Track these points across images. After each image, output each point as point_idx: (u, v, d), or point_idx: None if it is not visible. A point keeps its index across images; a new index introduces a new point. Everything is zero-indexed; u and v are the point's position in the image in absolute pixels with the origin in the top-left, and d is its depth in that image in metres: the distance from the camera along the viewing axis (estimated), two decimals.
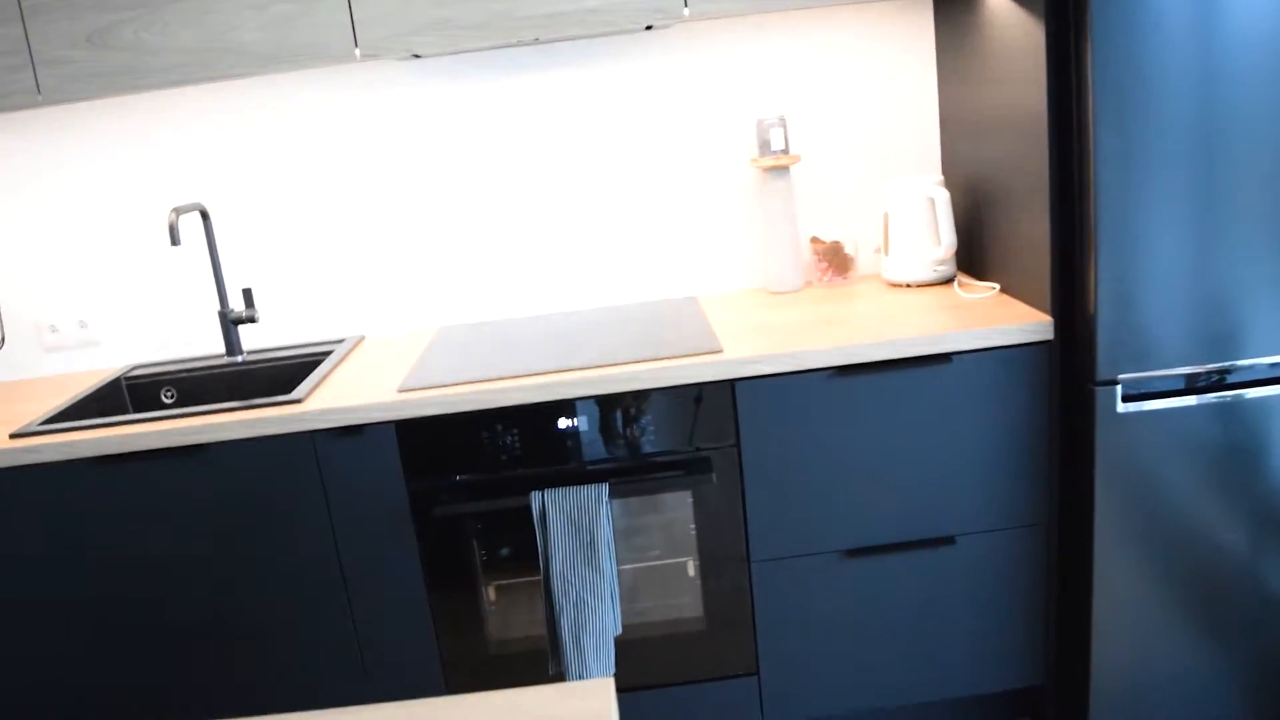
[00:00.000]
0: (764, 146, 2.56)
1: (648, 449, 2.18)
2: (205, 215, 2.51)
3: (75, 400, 2.41)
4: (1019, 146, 2.17)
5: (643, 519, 2.28)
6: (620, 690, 2.34)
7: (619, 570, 2.28)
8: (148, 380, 2.62)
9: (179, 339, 2.77)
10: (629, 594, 2.30)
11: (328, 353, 2.62)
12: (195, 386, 2.63)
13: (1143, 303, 1.99)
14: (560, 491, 2.14)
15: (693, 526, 2.25)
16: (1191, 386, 2.05)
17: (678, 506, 2.25)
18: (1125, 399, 2.04)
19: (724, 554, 2.25)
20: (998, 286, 2.39)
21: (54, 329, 2.74)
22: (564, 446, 2.17)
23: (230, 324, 2.57)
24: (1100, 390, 2.04)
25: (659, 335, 2.34)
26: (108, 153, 2.64)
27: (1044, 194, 2.08)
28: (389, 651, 2.28)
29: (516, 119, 2.65)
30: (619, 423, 2.17)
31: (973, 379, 2.16)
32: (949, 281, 2.53)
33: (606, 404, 2.16)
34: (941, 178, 2.50)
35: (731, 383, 2.15)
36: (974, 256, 2.53)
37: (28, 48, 2.19)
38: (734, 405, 2.16)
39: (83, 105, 2.60)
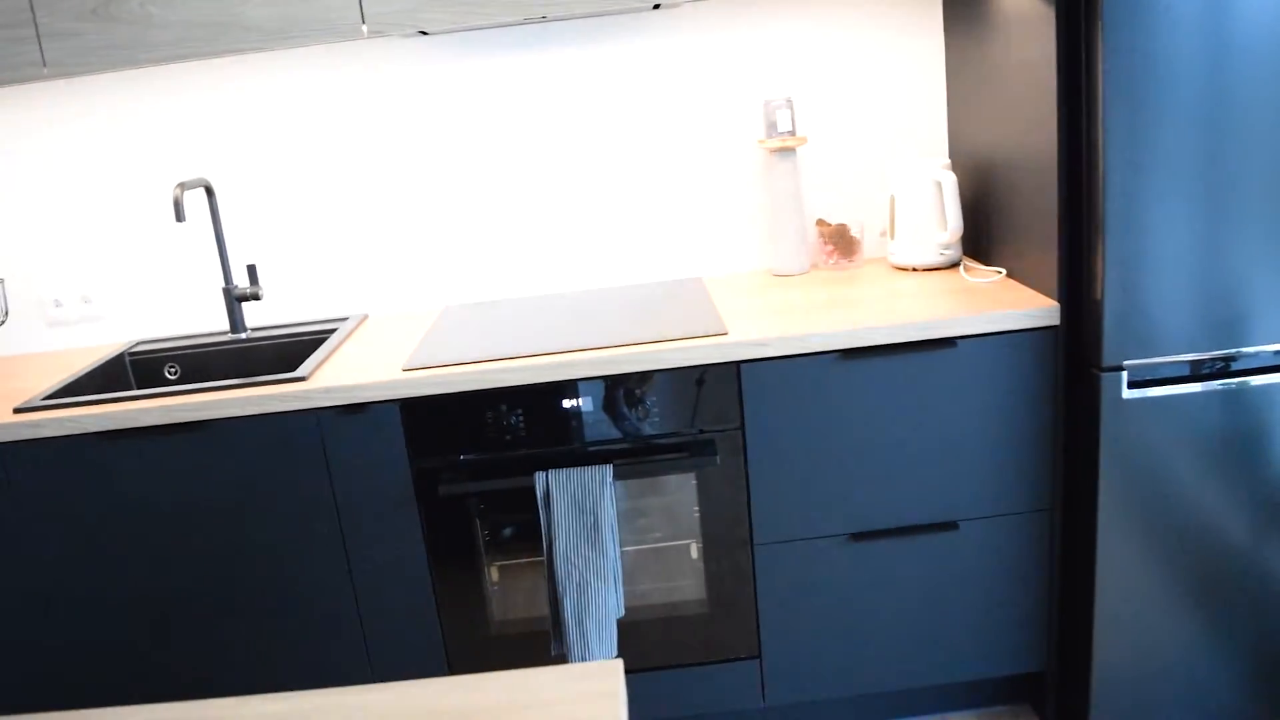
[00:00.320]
0: (771, 128, 2.55)
1: (652, 430, 2.18)
2: (210, 191, 2.50)
3: (78, 375, 2.40)
4: (1027, 131, 2.16)
5: (646, 501, 2.28)
6: None
7: (621, 552, 2.28)
8: (151, 356, 2.62)
9: (183, 315, 2.76)
10: (631, 576, 2.30)
11: (332, 330, 2.61)
12: (199, 363, 2.62)
13: (1149, 289, 1.99)
14: (564, 472, 2.13)
15: (696, 509, 2.25)
16: (1197, 373, 2.04)
17: (681, 488, 2.25)
18: (1131, 385, 2.04)
19: (727, 537, 2.25)
20: (1004, 271, 2.38)
21: (58, 304, 2.73)
22: (568, 427, 2.17)
23: (234, 301, 2.57)
24: (1106, 376, 2.03)
25: (664, 316, 2.33)
26: (112, 127, 2.62)
27: (1052, 179, 2.07)
28: (391, 630, 2.28)
29: (523, 98, 2.64)
30: (623, 404, 2.16)
31: (978, 364, 2.15)
32: (955, 266, 2.53)
33: (611, 385, 2.15)
34: (948, 161, 2.49)
35: (736, 365, 2.14)
36: (980, 240, 2.52)
37: (33, 19, 2.17)
38: (739, 387, 2.16)
39: (87, 79, 2.59)
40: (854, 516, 2.24)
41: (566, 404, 2.16)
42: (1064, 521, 2.25)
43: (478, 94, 2.63)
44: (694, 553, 2.30)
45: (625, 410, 2.17)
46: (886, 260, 2.70)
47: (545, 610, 2.30)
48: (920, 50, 2.63)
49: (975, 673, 2.36)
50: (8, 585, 2.23)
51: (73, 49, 2.19)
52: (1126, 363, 2.03)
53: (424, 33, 2.37)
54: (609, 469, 2.14)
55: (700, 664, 2.34)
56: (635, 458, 2.19)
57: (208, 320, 2.77)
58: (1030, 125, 2.14)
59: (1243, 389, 2.04)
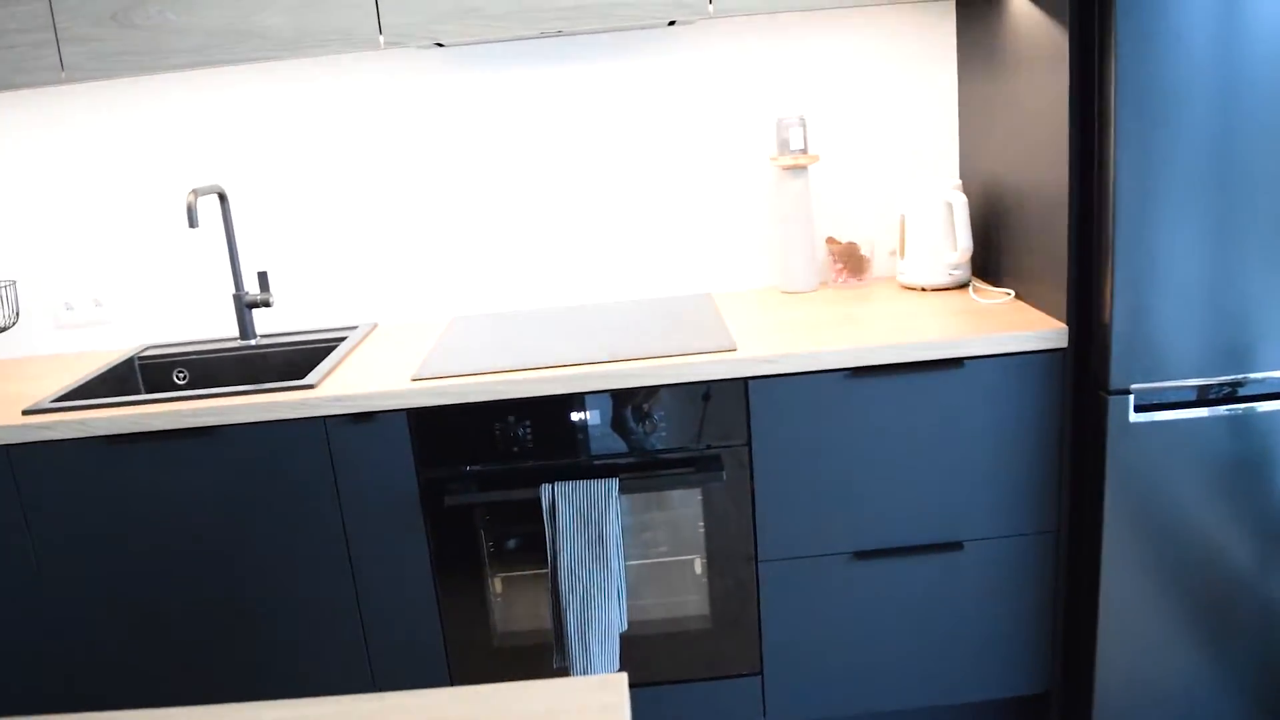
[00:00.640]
0: (783, 145, 2.56)
1: (659, 445, 2.18)
2: (223, 197, 2.52)
3: (88, 379, 2.41)
4: (1039, 154, 2.16)
5: (651, 515, 2.28)
6: None
7: (626, 566, 2.28)
8: (160, 361, 2.63)
9: (193, 321, 2.77)
10: (635, 590, 2.30)
11: (341, 339, 2.62)
12: (208, 369, 2.63)
13: (1158, 314, 1.99)
14: (570, 485, 2.14)
15: (701, 524, 2.25)
16: (1204, 398, 2.04)
17: (687, 504, 2.25)
18: (1138, 409, 2.04)
19: (731, 553, 2.25)
20: (1012, 293, 2.38)
21: (69, 307, 2.74)
22: (575, 440, 2.18)
23: (244, 307, 2.58)
24: (1113, 399, 2.03)
25: (673, 331, 2.34)
26: (126, 131, 2.64)
27: (1063, 203, 2.07)
28: (394, 639, 2.28)
29: (537, 111, 2.65)
30: (631, 418, 2.17)
31: (985, 384, 2.15)
32: (964, 286, 2.53)
33: (619, 399, 2.16)
34: (959, 182, 2.50)
35: (745, 381, 2.15)
36: (989, 262, 2.52)
37: (53, 24, 2.19)
38: (746, 403, 2.16)
39: (104, 84, 2.60)
40: (859, 535, 2.24)
41: (574, 417, 2.16)
42: (1069, 544, 2.25)
43: (491, 106, 2.64)
44: (698, 568, 2.30)
45: (632, 424, 2.17)
46: (895, 279, 2.70)
47: (548, 623, 2.30)
48: (934, 72, 2.64)
49: (978, 694, 2.35)
50: (13, 586, 2.23)
51: (91, 54, 2.20)
52: (1134, 386, 2.03)
53: (440, 44, 2.38)
54: (615, 483, 2.14)
55: (702, 680, 2.33)
56: (641, 472, 2.20)
57: (217, 326, 2.78)
58: (1042, 150, 2.15)
59: (1249, 414, 2.04)
